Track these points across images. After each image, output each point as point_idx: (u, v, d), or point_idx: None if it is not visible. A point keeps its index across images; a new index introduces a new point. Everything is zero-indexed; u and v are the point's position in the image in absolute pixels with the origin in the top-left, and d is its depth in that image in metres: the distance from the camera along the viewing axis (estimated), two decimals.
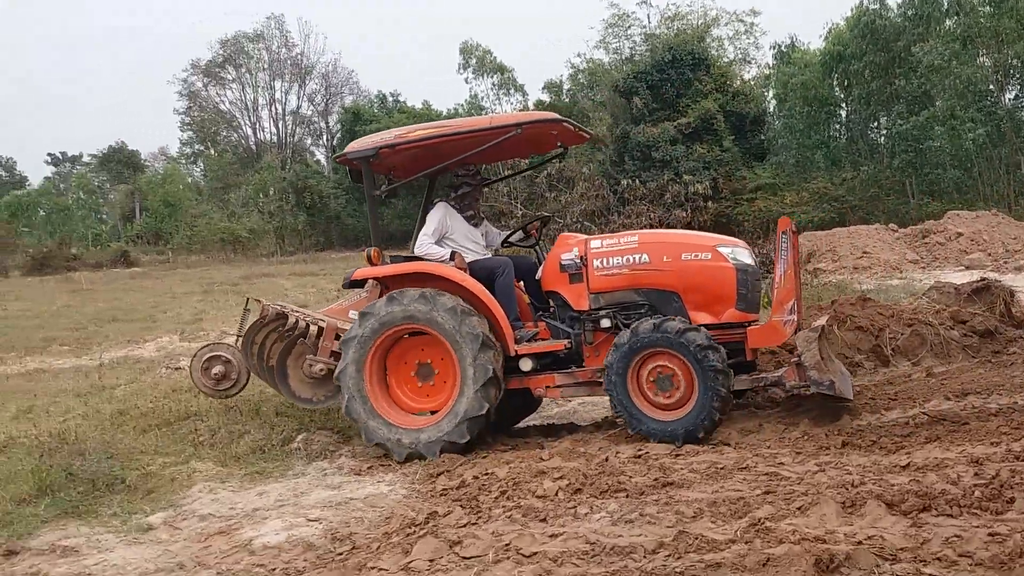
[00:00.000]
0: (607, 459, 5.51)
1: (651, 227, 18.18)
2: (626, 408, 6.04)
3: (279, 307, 7.08)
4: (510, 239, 7.53)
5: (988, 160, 28.96)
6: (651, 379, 6.04)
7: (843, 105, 34.95)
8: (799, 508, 4.21)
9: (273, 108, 58.12)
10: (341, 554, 4.46)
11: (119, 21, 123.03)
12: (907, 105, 30.95)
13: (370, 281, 6.86)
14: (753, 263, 6.44)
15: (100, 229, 57.07)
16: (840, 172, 32.28)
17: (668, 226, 18.47)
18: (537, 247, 7.42)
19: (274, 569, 4.36)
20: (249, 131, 58.64)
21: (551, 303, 6.75)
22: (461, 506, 4.90)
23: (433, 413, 6.43)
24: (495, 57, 42.15)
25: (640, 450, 5.68)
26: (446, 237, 6.87)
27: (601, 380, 6.25)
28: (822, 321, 6.48)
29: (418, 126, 6.84)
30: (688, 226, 19.78)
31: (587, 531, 4.21)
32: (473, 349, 6.14)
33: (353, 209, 48.05)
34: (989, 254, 17.43)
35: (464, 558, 4.07)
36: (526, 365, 6.44)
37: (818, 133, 34.63)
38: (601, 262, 6.49)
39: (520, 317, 6.73)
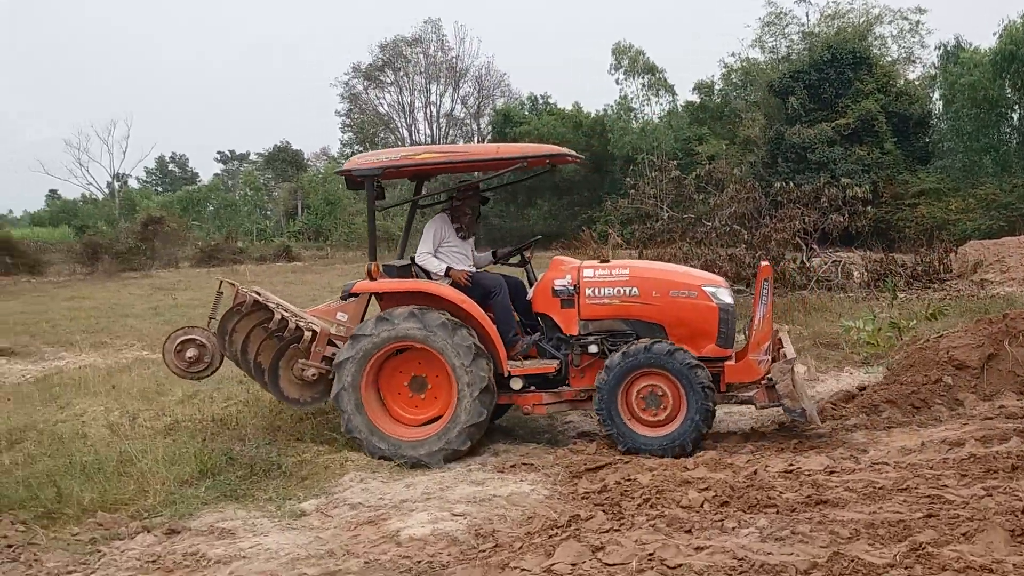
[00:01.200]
0: (755, 472, 5.35)
1: (805, 232, 17.59)
2: (616, 425, 6.38)
3: (255, 294, 7.20)
4: (502, 259, 7.74)
5: None
6: (641, 397, 6.42)
7: (1015, 107, 32.63)
8: (964, 534, 3.98)
9: (428, 110, 59.58)
10: (484, 551, 4.52)
11: (288, 29, 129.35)
12: None
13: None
14: (732, 303, 6.82)
15: (264, 225, 60.06)
16: (1011, 178, 30.16)
17: (824, 232, 17.80)
18: (528, 268, 7.62)
19: (419, 561, 4.46)
20: (405, 133, 60.31)
21: (539, 324, 7.01)
22: (604, 511, 4.88)
23: (429, 423, 6.67)
24: (647, 57, 41.69)
25: (792, 465, 5.49)
26: (444, 246, 7.15)
27: (586, 399, 6.73)
28: (793, 353, 6.71)
29: (424, 148, 7.40)
30: (846, 231, 19.01)
31: (735, 546, 4.10)
32: (467, 360, 6.39)
33: (500, 209, 48.73)
34: None
35: (607, 564, 4.05)
36: (516, 384, 6.74)
37: (987, 136, 32.54)
38: (593, 291, 6.80)
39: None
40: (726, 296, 6.81)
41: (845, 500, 4.68)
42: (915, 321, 10.22)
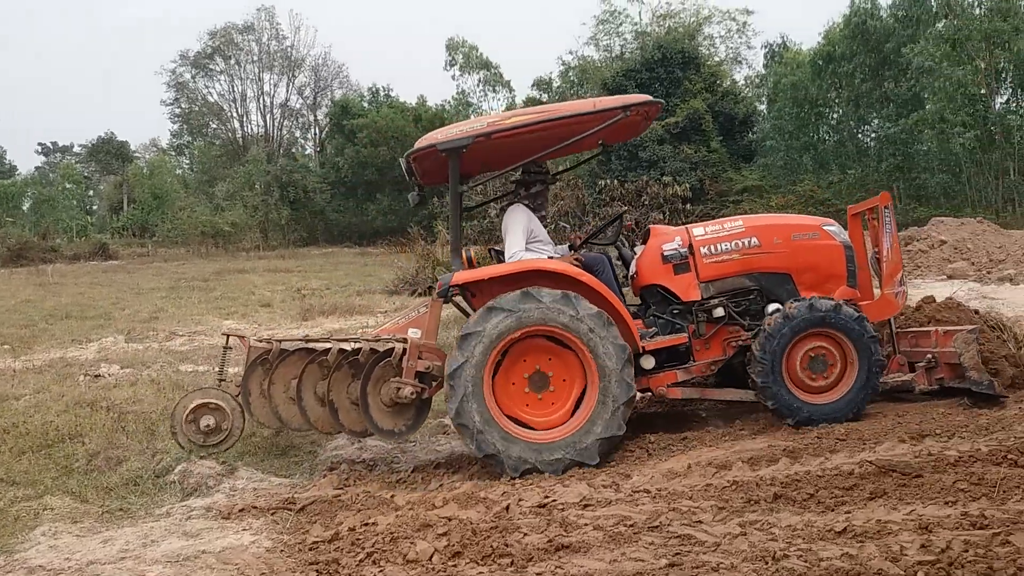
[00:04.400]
0: (507, 508, 4.78)
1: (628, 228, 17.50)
2: (783, 399, 5.90)
3: (265, 342, 6.36)
4: (590, 243, 7.07)
5: (977, 165, 28.35)
6: (805, 362, 5.96)
7: (833, 107, 34.26)
8: None
9: (261, 101, 57.37)
10: None
11: (115, 12, 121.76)
12: (896, 108, 30.30)
13: (429, 299, 6.27)
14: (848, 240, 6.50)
15: (86, 221, 56.21)
16: (828, 175, 31.66)
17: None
18: (619, 243, 7.00)
19: None
20: (237, 124, 57.84)
21: (645, 300, 6.48)
22: (318, 571, 4.16)
23: (549, 430, 5.80)
24: (481, 53, 41.52)
25: (547, 496, 4.95)
26: (531, 240, 6.31)
27: (712, 374, 6.28)
28: (976, 324, 6.37)
29: (512, 112, 6.23)
30: None
31: None
32: (620, 363, 5.66)
33: (339, 204, 47.39)
34: (972, 263, 16.65)
35: None
36: (648, 363, 6.11)
37: (807, 135, 34.07)
38: (709, 249, 6.33)
39: None
40: (845, 235, 6.51)
41: (589, 544, 4.16)
42: None
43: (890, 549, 3.73)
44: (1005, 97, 29.81)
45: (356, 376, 6.09)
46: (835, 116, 34.76)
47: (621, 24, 42.72)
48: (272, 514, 5.26)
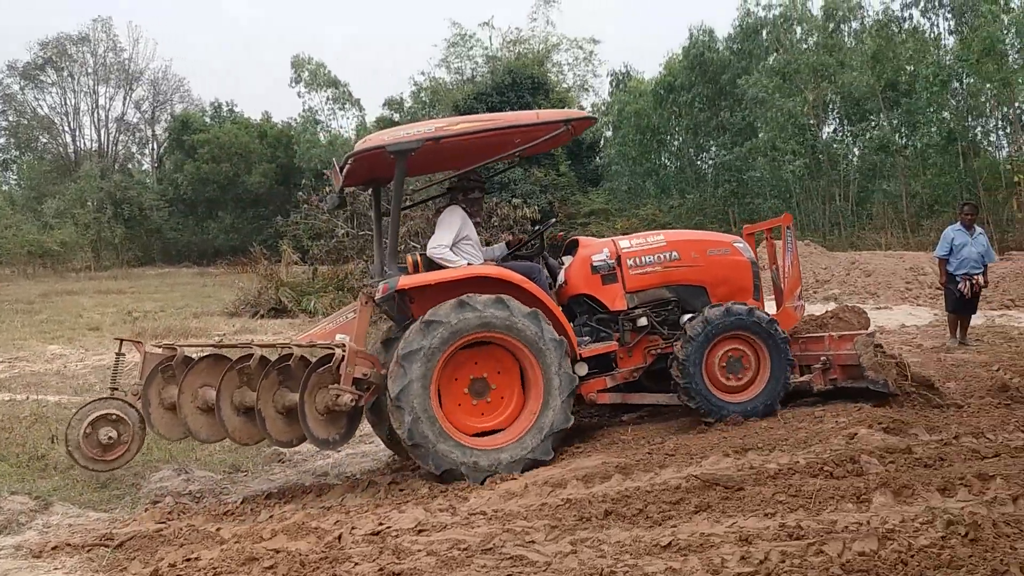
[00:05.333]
0: (339, 537, 4.63)
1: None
2: (703, 397, 6.27)
3: (165, 348, 6.07)
4: (518, 248, 7.08)
5: (806, 191, 30.16)
6: (722, 363, 6.36)
7: (674, 134, 35.75)
8: None
9: (96, 114, 54.35)
10: None
11: None
12: (732, 136, 31.90)
13: (357, 304, 6.19)
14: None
15: None
16: (669, 199, 32.94)
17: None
18: (546, 254, 7.08)
19: None
20: (69, 138, 54.60)
21: (572, 309, 6.64)
22: None
23: (492, 433, 5.97)
24: (328, 71, 40.87)
25: (382, 524, 4.83)
26: (463, 242, 6.37)
27: (634, 380, 6.58)
28: (872, 328, 7.07)
29: (459, 118, 6.44)
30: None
31: None
32: (558, 356, 5.88)
33: (177, 222, 45.50)
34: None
35: None
36: (582, 369, 6.28)
37: (649, 161, 35.33)
38: (635, 261, 6.65)
39: None
40: (750, 251, 6.98)
41: (421, 570, 4.07)
42: None
43: (712, 562, 3.83)
44: (832, 127, 31.96)
45: (285, 383, 5.85)
46: (675, 143, 36.27)
47: (472, 48, 43.13)
48: (87, 551, 4.89)
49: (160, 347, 6.17)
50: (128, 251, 44.86)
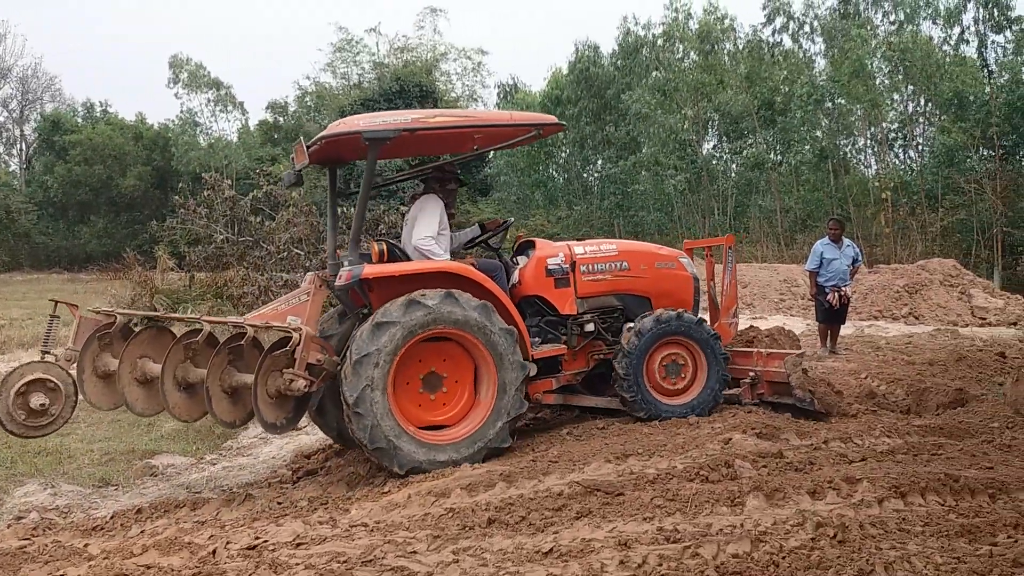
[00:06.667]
0: (214, 552, 4.46)
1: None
2: (640, 392, 6.53)
3: (103, 315, 5.84)
4: (477, 242, 7.14)
5: (687, 205, 31.09)
6: (663, 365, 6.64)
7: (561, 147, 36.28)
8: None
9: None
10: None
11: None
12: (617, 150, 32.62)
13: (310, 286, 6.21)
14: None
15: None
16: (557, 210, 33.38)
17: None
18: (500, 252, 7.13)
19: None
20: None
21: (523, 310, 6.63)
22: None
23: (436, 428, 6.08)
24: (208, 72, 39.69)
25: (259, 537, 4.68)
26: (439, 234, 6.43)
27: (576, 384, 6.81)
28: (802, 349, 7.39)
29: (436, 112, 6.51)
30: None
31: None
32: (510, 345, 5.99)
33: (47, 226, 43.31)
34: None
35: None
36: (533, 370, 6.33)
37: (538, 172, 35.70)
38: (588, 267, 6.80)
39: None
40: (693, 266, 7.25)
41: None
42: None
43: (592, 567, 3.88)
44: (711, 143, 33.12)
45: (234, 363, 5.70)
46: (563, 156, 36.80)
47: (359, 53, 42.67)
48: None
49: (98, 312, 5.95)
50: None
